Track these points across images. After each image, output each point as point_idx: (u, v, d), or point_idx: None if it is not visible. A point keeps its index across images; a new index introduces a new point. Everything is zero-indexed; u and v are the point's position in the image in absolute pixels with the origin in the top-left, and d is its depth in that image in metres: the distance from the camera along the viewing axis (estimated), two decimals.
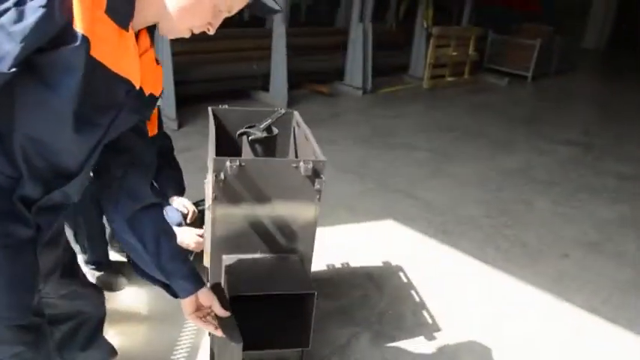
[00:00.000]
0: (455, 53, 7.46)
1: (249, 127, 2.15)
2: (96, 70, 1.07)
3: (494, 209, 3.92)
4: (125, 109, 1.21)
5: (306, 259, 2.04)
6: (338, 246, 3.22)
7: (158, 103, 1.46)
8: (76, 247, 2.58)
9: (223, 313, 1.49)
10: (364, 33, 6.64)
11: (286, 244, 2.00)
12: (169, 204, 2.70)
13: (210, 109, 2.37)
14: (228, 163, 1.81)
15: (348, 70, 6.87)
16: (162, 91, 1.39)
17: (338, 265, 3.04)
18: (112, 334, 2.39)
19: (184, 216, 2.53)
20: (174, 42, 4.94)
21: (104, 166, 1.36)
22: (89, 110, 1.13)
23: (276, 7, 1.29)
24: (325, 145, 4.64)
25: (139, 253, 1.44)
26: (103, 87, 1.12)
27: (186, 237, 2.31)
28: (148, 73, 1.23)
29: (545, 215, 3.92)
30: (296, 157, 2.39)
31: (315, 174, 1.89)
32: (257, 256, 1.98)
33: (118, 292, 2.64)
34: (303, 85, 6.74)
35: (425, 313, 2.69)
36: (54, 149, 1.17)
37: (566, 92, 8.58)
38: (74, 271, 1.55)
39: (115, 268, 2.69)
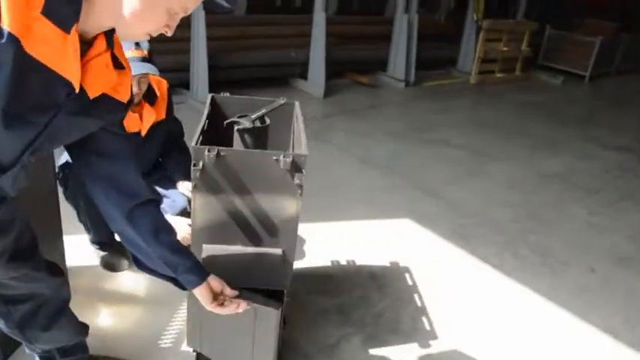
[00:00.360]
0: (506, 48, 7.14)
1: (241, 116, 2.10)
2: (33, 68, 1.07)
3: (522, 213, 3.72)
4: (64, 110, 1.19)
5: (288, 255, 1.97)
6: (346, 242, 3.15)
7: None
8: (83, 226, 2.64)
9: (234, 292, 1.61)
10: (409, 24, 6.46)
11: (268, 238, 1.94)
12: (176, 188, 2.71)
13: (210, 95, 2.33)
14: (206, 152, 1.77)
15: (392, 61, 6.72)
16: (130, 96, 1.38)
17: (343, 262, 2.97)
18: (107, 313, 2.44)
19: (190, 200, 2.52)
20: (211, 27, 4.97)
21: (91, 170, 1.42)
22: (22, 107, 1.12)
23: (226, 5, 1.24)
24: (356, 137, 4.64)
25: (141, 249, 1.50)
26: (40, 85, 1.11)
27: (177, 229, 2.30)
28: (97, 76, 1.22)
29: (577, 224, 3.69)
30: (292, 149, 2.32)
31: (296, 168, 1.81)
32: (237, 248, 1.94)
33: (119, 273, 2.67)
34: (344, 74, 6.65)
35: (424, 319, 2.58)
36: None
37: (625, 94, 8.06)
38: (26, 256, 1.56)
39: (119, 249, 2.71)
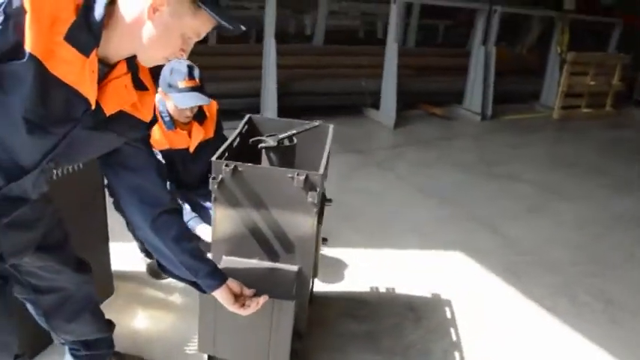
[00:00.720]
0: (593, 82, 6.76)
1: (270, 135, 2.16)
2: (54, 84, 1.21)
3: (585, 255, 3.47)
4: (82, 124, 1.32)
5: (305, 272, 1.98)
6: (389, 269, 3.09)
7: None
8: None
9: (252, 291, 1.72)
10: (487, 56, 6.32)
11: (285, 255, 1.97)
12: None
13: (247, 116, 2.42)
14: (224, 167, 1.84)
15: (468, 93, 6.59)
16: (153, 116, 1.50)
17: (382, 289, 2.91)
18: (143, 316, 2.55)
19: None
20: (284, 56, 5.15)
21: (118, 181, 1.57)
22: (43, 118, 1.26)
23: (231, 28, 1.31)
24: (420, 168, 4.59)
25: (165, 254, 1.62)
26: (60, 100, 1.25)
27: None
28: (114, 96, 1.35)
29: None
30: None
31: (310, 187, 1.83)
32: (254, 262, 1.98)
33: (162, 281, 2.79)
34: (418, 105, 6.61)
35: (457, 355, 2.46)
36: (10, 145, 1.31)
37: None
38: (53, 250, 1.69)
39: None
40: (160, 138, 2.54)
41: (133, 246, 2.82)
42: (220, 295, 1.67)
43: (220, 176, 1.86)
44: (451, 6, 7.44)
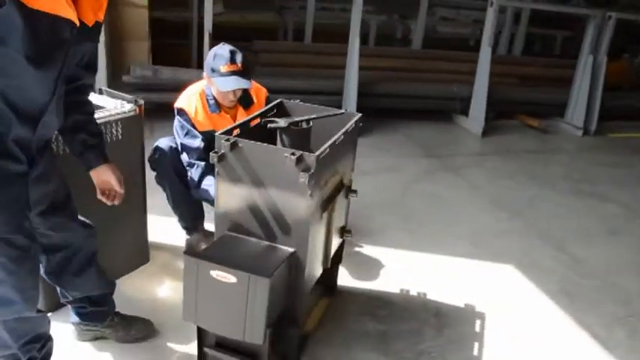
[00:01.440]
0: None
1: (285, 118, 2.17)
2: (38, 17, 1.39)
3: None
4: (74, 42, 1.53)
5: (301, 257, 1.96)
6: (427, 274, 2.96)
7: None
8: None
9: (120, 188, 1.97)
10: (595, 67, 5.80)
11: (281, 236, 1.97)
12: None
13: (279, 100, 2.45)
14: (223, 141, 1.88)
15: (571, 106, 6.09)
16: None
17: (413, 293, 2.79)
18: (168, 286, 2.66)
19: None
20: (362, 57, 5.14)
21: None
22: (42, 51, 1.45)
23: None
24: (497, 178, 4.41)
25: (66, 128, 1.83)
26: (50, 29, 1.44)
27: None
28: (87, 7, 1.56)
29: None
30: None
31: (305, 168, 1.81)
32: (253, 240, 2.00)
33: None
34: (514, 115, 6.24)
35: None
36: (26, 87, 1.50)
37: None
38: (63, 207, 1.85)
39: (203, 234, 2.95)
40: (203, 120, 2.65)
41: (174, 221, 2.97)
42: (95, 175, 1.92)
43: (221, 150, 1.90)
44: (558, 11, 6.92)
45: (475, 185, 4.34)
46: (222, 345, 2.00)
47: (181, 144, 2.64)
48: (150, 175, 2.71)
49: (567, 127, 6.05)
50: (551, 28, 9.14)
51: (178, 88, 2.96)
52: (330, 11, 8.54)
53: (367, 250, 3.14)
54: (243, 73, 2.57)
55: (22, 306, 1.67)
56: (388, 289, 2.80)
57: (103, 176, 1.94)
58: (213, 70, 2.56)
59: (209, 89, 2.68)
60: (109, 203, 2.01)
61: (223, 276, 1.75)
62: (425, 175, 4.43)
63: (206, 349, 2.01)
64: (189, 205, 2.84)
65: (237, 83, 2.55)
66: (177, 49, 6.44)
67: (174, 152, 2.68)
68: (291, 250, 1.95)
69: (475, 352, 2.40)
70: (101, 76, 4.56)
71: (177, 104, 2.68)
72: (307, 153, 1.83)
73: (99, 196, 1.99)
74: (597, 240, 3.57)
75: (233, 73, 2.53)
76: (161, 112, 5.13)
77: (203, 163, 2.55)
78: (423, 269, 3.01)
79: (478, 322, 2.60)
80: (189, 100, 2.66)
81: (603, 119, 6.10)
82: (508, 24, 7.72)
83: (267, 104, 2.86)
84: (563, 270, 3.15)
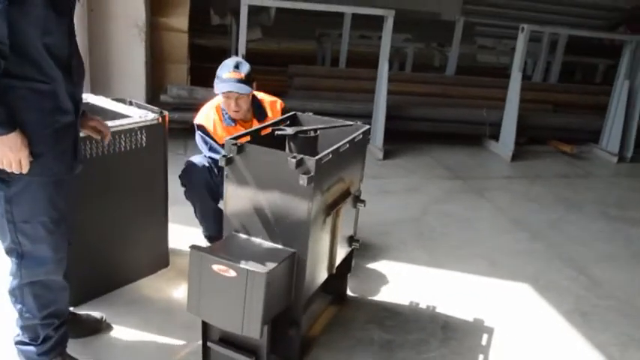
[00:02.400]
0: None
1: (294, 127, 2.28)
2: None
3: None
4: None
5: (302, 259, 2.04)
6: (438, 288, 2.99)
7: None
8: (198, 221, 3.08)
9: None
10: (632, 92, 5.72)
11: (285, 237, 2.06)
12: None
13: (293, 112, 2.58)
14: (231, 145, 2.01)
15: (606, 132, 5.99)
16: None
17: (422, 306, 2.81)
18: (184, 289, 2.77)
19: None
20: (396, 82, 5.24)
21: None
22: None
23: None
24: (522, 201, 4.48)
25: None
26: None
27: None
28: None
29: None
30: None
31: (305, 171, 1.91)
32: (257, 240, 2.10)
33: None
34: (547, 141, 6.19)
35: None
36: (58, 37, 1.72)
37: None
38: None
39: None
40: (221, 133, 2.80)
41: (194, 230, 3.11)
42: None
43: (229, 154, 2.03)
44: (594, 37, 6.87)
45: (498, 207, 4.33)
46: (226, 340, 2.09)
47: (209, 157, 2.80)
48: (172, 182, 2.87)
49: (602, 154, 5.95)
50: (592, 57, 9.06)
51: None
52: (369, 39, 8.76)
53: (381, 264, 3.19)
54: (244, 82, 2.71)
55: (53, 266, 1.87)
56: (398, 301, 2.83)
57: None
58: (217, 77, 2.73)
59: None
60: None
61: (224, 270, 1.85)
62: (447, 196, 4.45)
63: (210, 344, 2.11)
64: (216, 218, 2.96)
65: (231, 87, 2.70)
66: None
67: (207, 169, 2.82)
68: (292, 250, 2.04)
69: None
70: (140, 95, 4.85)
71: (197, 120, 2.85)
72: (308, 157, 1.93)
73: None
74: (620, 263, 3.50)
75: (232, 79, 2.68)
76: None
77: None
78: (435, 284, 3.04)
79: (485, 336, 2.60)
80: (207, 115, 2.83)
81: None
82: (544, 52, 7.70)
83: (284, 111, 2.99)
84: (580, 291, 3.11)
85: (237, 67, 2.69)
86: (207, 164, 2.83)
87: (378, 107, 5.30)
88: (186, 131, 5.32)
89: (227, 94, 2.73)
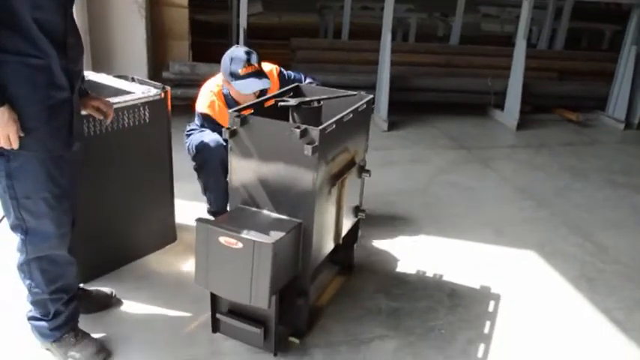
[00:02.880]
0: None
1: (297, 98, 2.27)
2: None
3: None
4: None
5: (308, 228, 2.05)
6: (445, 257, 3.00)
7: None
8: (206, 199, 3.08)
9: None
10: (639, 58, 5.64)
11: (290, 208, 2.07)
12: None
13: (296, 84, 2.56)
14: (234, 117, 2.01)
15: (613, 99, 5.93)
16: None
17: (429, 274, 2.83)
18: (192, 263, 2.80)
19: None
20: (400, 53, 5.18)
21: None
22: None
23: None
24: (528, 169, 4.44)
25: None
26: None
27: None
28: None
29: None
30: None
31: (309, 141, 1.91)
32: (264, 212, 2.11)
33: None
34: (553, 109, 6.13)
35: (481, 346, 2.32)
36: (51, 14, 1.70)
37: None
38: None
39: None
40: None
41: (200, 205, 3.11)
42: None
43: (233, 127, 2.03)
44: (599, 1, 6.75)
45: (503, 176, 4.31)
46: (234, 312, 2.12)
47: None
48: (177, 159, 2.86)
49: (608, 121, 5.90)
50: (599, 23, 8.92)
51: None
52: (371, 10, 8.65)
53: (388, 234, 3.20)
54: (260, 72, 2.69)
55: (57, 241, 1.89)
56: (405, 270, 2.86)
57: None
58: (232, 74, 2.69)
59: (226, 89, 2.82)
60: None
61: (230, 242, 1.87)
62: (452, 166, 4.43)
63: (219, 316, 2.14)
64: (226, 194, 2.95)
65: (258, 85, 2.68)
66: (217, 47, 6.64)
67: (223, 147, 2.74)
68: (298, 221, 2.05)
69: (486, 331, 2.43)
70: (142, 72, 4.82)
71: (202, 110, 2.82)
72: (312, 127, 1.92)
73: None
74: (626, 230, 3.50)
75: (251, 74, 2.66)
76: None
77: None
78: (441, 253, 3.05)
79: (492, 303, 2.63)
80: (211, 104, 2.79)
81: None
82: (549, 18, 7.58)
83: (281, 75, 2.96)
84: (585, 257, 3.12)
85: (249, 58, 2.65)
86: (222, 142, 2.78)
87: (381, 78, 5.26)
88: (189, 107, 5.34)
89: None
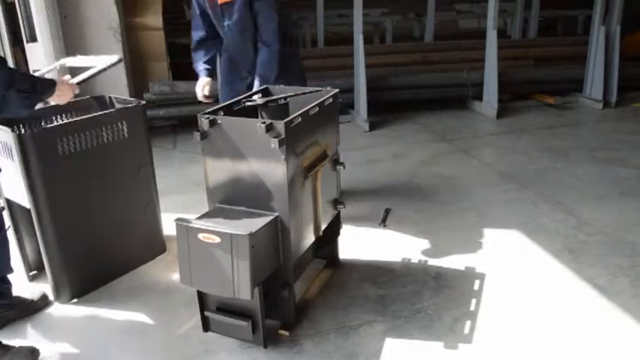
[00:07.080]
0: None
1: (265, 97, 2.34)
2: None
3: None
4: None
5: (285, 221, 2.11)
6: (429, 243, 3.06)
7: None
8: None
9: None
10: (609, 37, 5.75)
11: (265, 203, 2.13)
12: None
13: (264, 86, 2.63)
14: (203, 119, 2.07)
15: (588, 80, 6.03)
16: None
17: (414, 261, 2.89)
18: None
19: None
20: (376, 55, 5.27)
21: None
22: None
23: None
24: (508, 154, 4.53)
25: None
26: None
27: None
28: None
29: None
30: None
31: (276, 135, 1.97)
32: (241, 209, 2.17)
33: None
34: (530, 95, 6.23)
35: (468, 323, 2.36)
36: None
37: None
38: None
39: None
40: None
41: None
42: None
43: (203, 129, 2.09)
44: None
45: (485, 163, 4.39)
46: (222, 309, 2.17)
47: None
48: (162, 176, 2.92)
49: (586, 102, 6.00)
50: (570, 9, 9.09)
51: (195, 100, 3.34)
52: (346, 17, 8.78)
53: (372, 226, 3.26)
54: None
55: None
56: (390, 259, 2.91)
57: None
58: None
59: None
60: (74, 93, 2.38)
61: (209, 237, 1.92)
62: (435, 159, 4.51)
63: (207, 314, 2.18)
64: None
65: None
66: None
67: None
68: (274, 214, 2.11)
69: (472, 308, 2.47)
70: (125, 95, 4.90)
71: None
72: (277, 121, 1.99)
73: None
74: (608, 202, 3.56)
75: None
76: (184, 126, 5.44)
77: None
78: (425, 240, 3.11)
79: (477, 282, 2.68)
80: None
81: (626, 90, 6.03)
82: (520, 9, 7.72)
83: None
84: (568, 230, 3.17)
85: None
86: None
87: (358, 80, 5.35)
88: (173, 127, 5.42)
89: None
